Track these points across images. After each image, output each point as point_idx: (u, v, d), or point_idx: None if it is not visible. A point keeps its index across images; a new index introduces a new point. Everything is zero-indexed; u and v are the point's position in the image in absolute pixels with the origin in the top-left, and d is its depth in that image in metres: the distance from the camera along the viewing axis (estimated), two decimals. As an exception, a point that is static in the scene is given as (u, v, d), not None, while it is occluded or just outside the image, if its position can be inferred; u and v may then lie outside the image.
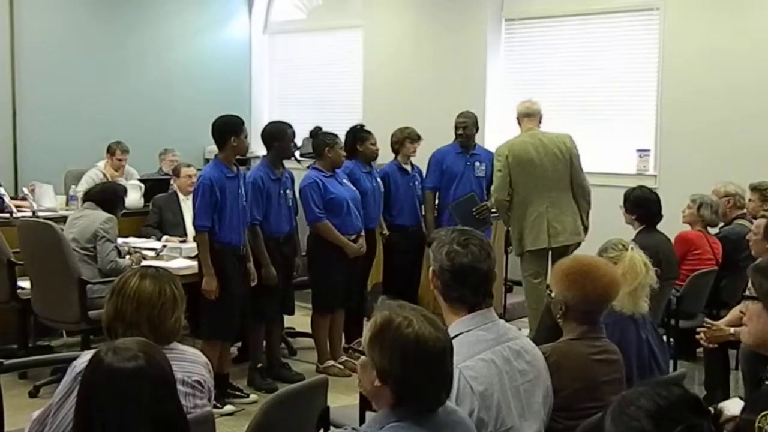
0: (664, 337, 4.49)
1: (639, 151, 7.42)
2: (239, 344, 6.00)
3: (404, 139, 6.34)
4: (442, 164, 6.44)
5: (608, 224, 6.09)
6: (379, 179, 6.20)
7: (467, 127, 6.45)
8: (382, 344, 2.01)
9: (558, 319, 2.87)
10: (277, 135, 5.42)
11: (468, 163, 6.45)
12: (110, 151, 7.64)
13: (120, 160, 7.61)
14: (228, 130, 5.03)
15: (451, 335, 2.39)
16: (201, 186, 5.00)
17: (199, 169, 6.33)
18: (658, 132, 7.37)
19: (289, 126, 5.52)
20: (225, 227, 4.99)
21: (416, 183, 6.43)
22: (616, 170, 7.32)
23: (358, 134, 6.14)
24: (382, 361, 2.00)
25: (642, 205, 5.25)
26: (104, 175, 7.43)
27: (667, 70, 7.25)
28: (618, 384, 2.82)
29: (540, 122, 5.99)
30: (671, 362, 4.83)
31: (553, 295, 2.88)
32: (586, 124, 7.11)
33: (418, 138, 6.37)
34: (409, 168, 6.44)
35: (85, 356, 2.36)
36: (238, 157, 5.15)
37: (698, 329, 4.25)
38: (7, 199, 6.79)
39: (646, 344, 3.25)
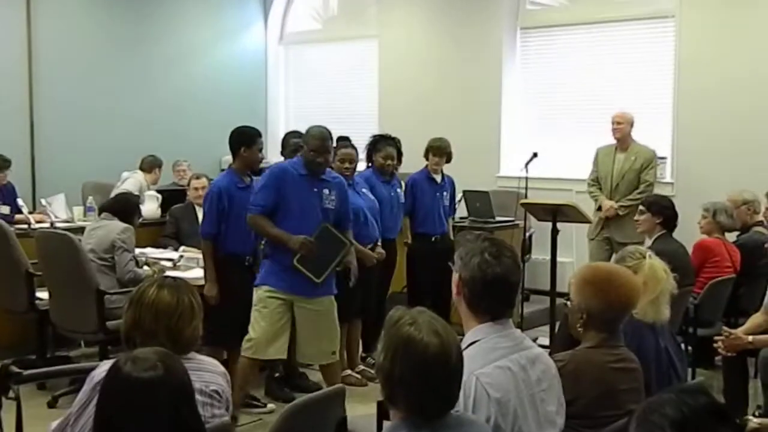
0: (682, 345, 4.47)
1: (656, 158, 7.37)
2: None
3: (428, 150, 6.33)
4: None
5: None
6: (399, 189, 6.16)
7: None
8: (384, 340, 2.03)
9: (578, 327, 2.85)
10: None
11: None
12: (158, 164, 7.85)
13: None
14: (240, 140, 5.09)
15: (469, 341, 2.40)
16: (209, 194, 5.11)
17: (210, 179, 6.36)
18: (674, 140, 7.34)
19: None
20: (231, 236, 5.01)
21: (444, 194, 6.37)
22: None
23: (374, 144, 6.14)
24: (380, 357, 2.01)
25: (667, 208, 5.47)
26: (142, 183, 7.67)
27: (683, 77, 7.22)
28: (637, 392, 2.80)
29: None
30: (689, 370, 4.80)
31: (571, 303, 2.87)
32: (602, 133, 7.08)
33: (442, 154, 6.28)
34: (438, 178, 6.38)
35: (104, 366, 2.37)
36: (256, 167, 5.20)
37: (716, 338, 4.22)
38: (25, 210, 6.85)
39: (665, 352, 3.23)
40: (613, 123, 6.85)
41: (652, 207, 5.49)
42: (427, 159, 6.35)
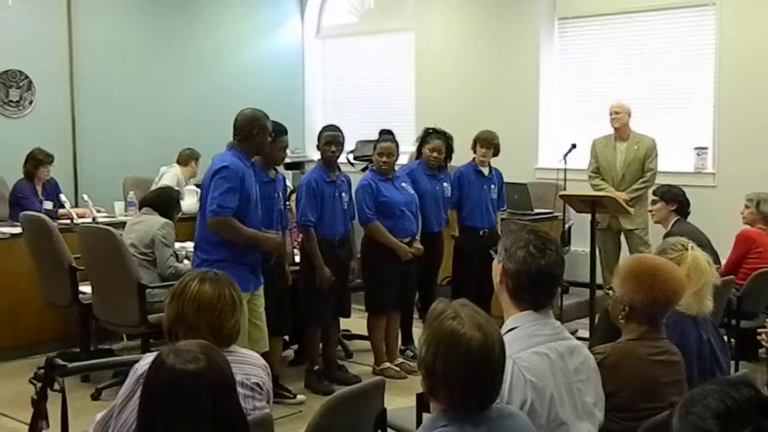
0: (725, 338, 4.41)
1: (697, 149, 7.27)
2: (296, 347, 6.05)
3: (475, 142, 6.29)
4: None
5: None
6: (446, 184, 6.13)
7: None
8: (426, 334, 2.02)
9: (620, 320, 2.83)
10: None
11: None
12: (195, 157, 7.88)
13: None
14: None
15: (508, 327, 2.40)
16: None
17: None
18: (716, 129, 7.23)
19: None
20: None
21: (492, 186, 6.32)
22: (674, 169, 7.17)
23: (424, 137, 6.12)
24: (422, 351, 2.01)
25: (680, 195, 5.88)
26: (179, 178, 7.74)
27: (725, 66, 7.11)
28: (679, 385, 2.78)
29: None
30: (732, 363, 4.74)
31: (613, 295, 2.85)
32: (642, 123, 7.01)
33: (489, 145, 6.23)
34: (485, 171, 6.34)
35: (147, 359, 2.40)
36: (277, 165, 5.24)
37: (760, 330, 4.16)
38: (68, 205, 6.95)
39: (707, 345, 3.19)
40: (611, 113, 6.90)
41: (666, 195, 5.87)
42: (475, 151, 6.30)
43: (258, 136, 4.73)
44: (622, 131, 6.89)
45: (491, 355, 1.98)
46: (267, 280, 4.90)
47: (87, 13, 8.36)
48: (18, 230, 6.12)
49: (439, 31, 8.99)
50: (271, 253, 4.85)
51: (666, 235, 5.14)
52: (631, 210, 6.48)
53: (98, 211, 6.96)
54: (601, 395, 2.51)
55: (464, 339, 1.96)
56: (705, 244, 4.84)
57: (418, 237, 5.81)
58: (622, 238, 6.97)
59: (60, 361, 2.83)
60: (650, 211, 5.87)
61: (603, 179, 6.91)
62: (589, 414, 2.43)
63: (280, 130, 5.14)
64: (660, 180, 6.69)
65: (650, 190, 6.61)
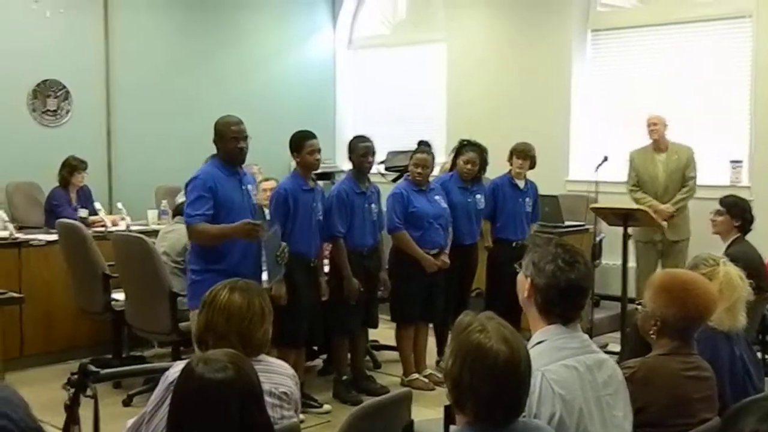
0: (759, 354, 4.35)
1: (732, 162, 7.20)
2: (324, 356, 6.06)
3: (511, 154, 6.27)
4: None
5: (701, 238, 5.97)
6: (479, 196, 6.11)
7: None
8: (452, 346, 2.02)
9: (651, 335, 2.80)
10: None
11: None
12: None
13: None
14: (291, 146, 5.27)
15: (536, 340, 2.39)
16: (275, 195, 5.23)
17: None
18: (752, 142, 7.15)
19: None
20: (296, 237, 5.08)
21: (527, 199, 6.30)
22: (709, 182, 7.07)
23: (459, 149, 6.11)
24: (448, 363, 2.01)
25: (747, 212, 5.50)
26: None
27: (761, 78, 7.02)
28: (710, 401, 2.75)
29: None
30: (767, 380, 4.67)
31: (644, 309, 2.83)
32: (676, 135, 6.94)
33: (526, 157, 6.22)
34: (521, 183, 6.31)
35: (177, 366, 2.42)
36: (315, 171, 5.31)
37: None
38: (102, 213, 7.04)
39: (740, 361, 3.15)
40: (649, 125, 6.83)
41: (733, 209, 5.46)
42: (511, 163, 6.29)
43: (220, 141, 4.85)
44: (660, 142, 6.83)
45: (518, 369, 1.98)
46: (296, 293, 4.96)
47: (123, 23, 8.47)
48: (53, 237, 6.20)
49: (470, 42, 8.98)
50: (251, 238, 4.68)
51: (724, 253, 4.93)
52: (664, 224, 6.43)
53: (122, 219, 7.00)
54: (630, 409, 2.49)
55: (491, 352, 1.96)
56: (757, 268, 4.73)
57: (447, 250, 5.80)
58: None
59: (93, 368, 2.85)
60: (712, 220, 5.68)
61: (644, 192, 6.84)
62: (618, 428, 2.41)
63: (304, 135, 5.20)
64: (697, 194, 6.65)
65: (691, 200, 6.59)
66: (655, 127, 6.81)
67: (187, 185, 4.77)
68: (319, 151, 5.25)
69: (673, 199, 6.70)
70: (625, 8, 8.11)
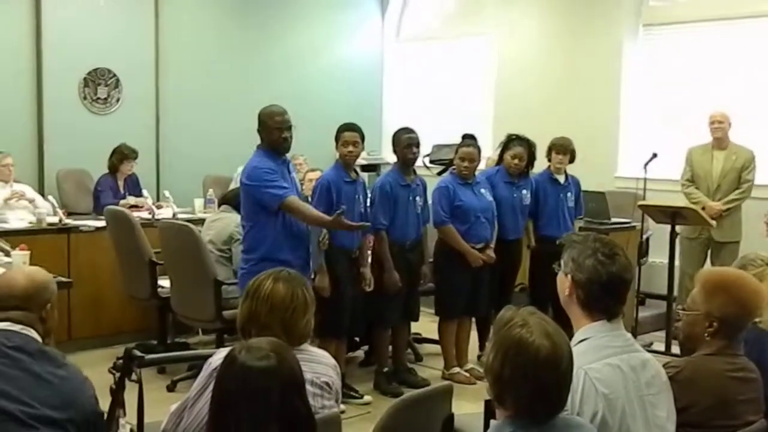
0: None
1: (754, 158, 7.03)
2: (366, 348, 6.08)
3: (549, 149, 6.22)
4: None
5: (756, 239, 5.85)
6: (525, 191, 6.06)
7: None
8: (494, 341, 2.02)
9: (705, 336, 2.74)
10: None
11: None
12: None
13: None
14: (336, 138, 5.28)
15: (579, 338, 2.37)
16: (318, 186, 5.23)
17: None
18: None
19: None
20: (338, 230, 5.03)
21: (568, 194, 6.22)
22: (766, 182, 6.88)
23: (507, 143, 6.04)
24: (489, 358, 2.01)
25: None
26: None
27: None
28: (756, 403, 2.70)
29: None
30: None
31: (691, 311, 2.77)
32: (731, 133, 6.79)
33: (565, 151, 6.14)
34: (561, 179, 6.25)
35: (221, 353, 2.45)
36: (356, 163, 5.34)
37: None
38: (150, 201, 7.13)
39: (788, 363, 3.09)
40: (713, 122, 6.71)
41: None
42: (549, 159, 6.22)
43: (264, 132, 4.90)
44: (722, 141, 6.71)
45: (559, 364, 1.97)
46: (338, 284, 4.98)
47: (173, 13, 8.55)
48: (102, 223, 6.30)
49: (519, 36, 8.91)
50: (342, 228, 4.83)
51: None
52: (713, 222, 6.32)
53: (159, 207, 7.05)
54: (673, 410, 2.46)
55: (532, 347, 1.95)
56: None
57: (492, 245, 5.77)
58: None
59: (138, 353, 2.90)
60: (766, 222, 5.57)
61: (697, 188, 6.74)
62: (660, 428, 2.39)
63: (341, 127, 5.25)
64: (752, 193, 6.52)
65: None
66: (720, 125, 6.68)
67: (248, 176, 4.77)
68: (354, 143, 5.23)
69: (726, 198, 6.60)
70: (680, 3, 7.95)
